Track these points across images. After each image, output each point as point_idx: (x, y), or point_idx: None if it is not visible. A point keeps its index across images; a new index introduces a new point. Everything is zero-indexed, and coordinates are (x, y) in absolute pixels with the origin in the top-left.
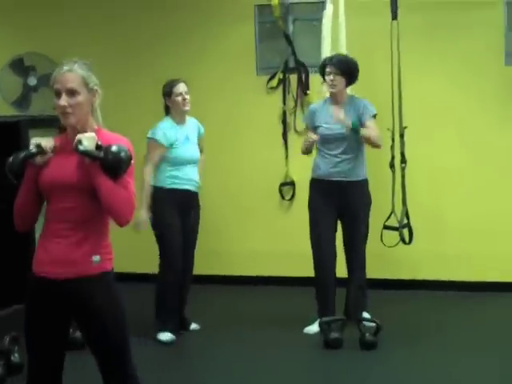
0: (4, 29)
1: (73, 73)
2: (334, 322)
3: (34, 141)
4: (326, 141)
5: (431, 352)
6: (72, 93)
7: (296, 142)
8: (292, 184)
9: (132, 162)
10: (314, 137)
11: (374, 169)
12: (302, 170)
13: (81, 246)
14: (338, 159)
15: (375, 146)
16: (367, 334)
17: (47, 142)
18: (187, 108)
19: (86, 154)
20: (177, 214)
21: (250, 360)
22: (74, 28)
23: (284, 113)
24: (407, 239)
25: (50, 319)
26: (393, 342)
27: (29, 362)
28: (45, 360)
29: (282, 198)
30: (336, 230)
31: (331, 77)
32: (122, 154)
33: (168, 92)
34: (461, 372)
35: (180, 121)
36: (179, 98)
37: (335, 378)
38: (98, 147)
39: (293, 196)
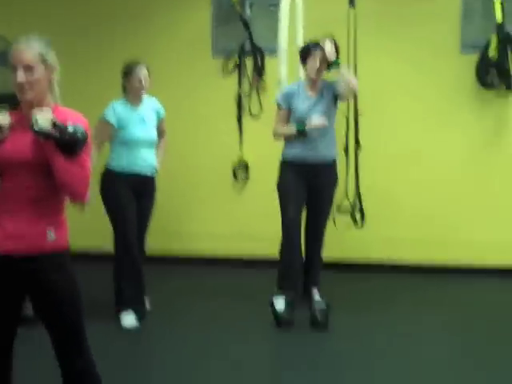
0: None
1: (30, 49)
2: (286, 302)
3: None
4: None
5: (380, 331)
6: (29, 69)
7: (250, 125)
8: (245, 167)
9: (88, 140)
10: (321, 122)
11: None
12: (256, 153)
13: (36, 222)
14: (314, 142)
15: (352, 93)
16: (318, 315)
17: (3, 120)
18: (143, 93)
19: (41, 133)
20: (131, 195)
21: (201, 340)
22: (31, 7)
23: (239, 96)
24: (359, 222)
25: (4, 295)
26: (343, 322)
27: None
28: None
29: (236, 179)
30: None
31: (317, 63)
32: (79, 135)
33: (126, 73)
34: (409, 347)
35: (134, 102)
36: (136, 83)
37: (286, 357)
38: (54, 125)
39: (246, 178)
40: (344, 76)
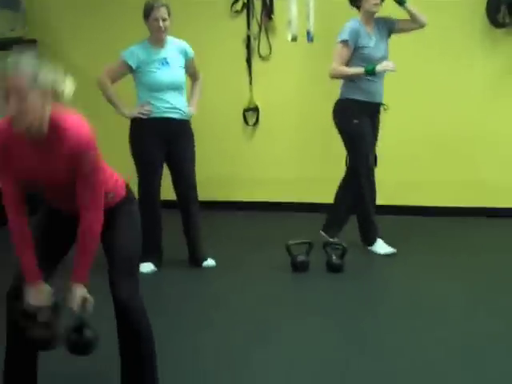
0: None
1: (19, 75)
2: (300, 244)
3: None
4: (372, 63)
5: (397, 274)
6: (20, 98)
7: (260, 67)
8: (256, 110)
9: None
10: (394, 68)
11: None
12: (266, 96)
13: None
14: (379, 82)
15: (421, 22)
16: (334, 257)
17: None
18: (163, 36)
19: None
20: (158, 142)
21: (222, 283)
22: None
23: (248, 37)
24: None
25: (65, 228)
26: (359, 265)
27: None
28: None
29: (246, 123)
30: None
31: None
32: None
33: (145, 13)
34: (425, 291)
35: (157, 44)
36: (155, 23)
37: (303, 299)
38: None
39: (257, 121)
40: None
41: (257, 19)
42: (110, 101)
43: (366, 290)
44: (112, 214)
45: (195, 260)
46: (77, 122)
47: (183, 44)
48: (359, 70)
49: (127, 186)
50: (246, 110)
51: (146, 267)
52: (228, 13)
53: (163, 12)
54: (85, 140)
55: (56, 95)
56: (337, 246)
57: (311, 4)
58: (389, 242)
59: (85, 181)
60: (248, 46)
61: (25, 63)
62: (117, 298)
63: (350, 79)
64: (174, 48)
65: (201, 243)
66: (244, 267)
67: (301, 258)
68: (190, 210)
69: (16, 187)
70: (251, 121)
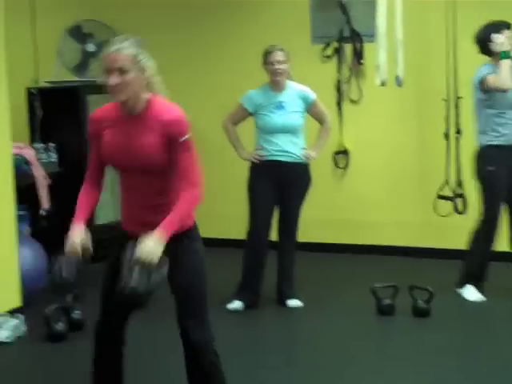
0: None
1: (122, 51)
2: (385, 288)
3: (68, 251)
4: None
5: (487, 322)
6: (121, 71)
7: (350, 111)
8: (346, 153)
9: (188, 137)
10: None
11: (427, 138)
12: (356, 139)
13: (161, 210)
14: None
15: None
16: (420, 301)
17: (74, 248)
18: (278, 78)
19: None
20: (268, 184)
21: (306, 323)
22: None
23: (339, 81)
24: (461, 208)
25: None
26: (445, 310)
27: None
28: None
29: (337, 166)
30: None
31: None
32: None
33: (264, 59)
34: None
35: (274, 88)
36: (272, 67)
37: (389, 343)
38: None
39: (347, 165)
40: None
41: (347, 64)
42: (231, 143)
43: (452, 338)
44: (179, 251)
45: (283, 299)
46: (172, 105)
47: (303, 89)
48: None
49: (195, 223)
50: (336, 153)
51: (235, 304)
52: (319, 58)
53: (280, 55)
54: (178, 119)
55: (150, 83)
56: (423, 290)
57: (400, 49)
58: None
59: (180, 161)
60: (338, 90)
61: (128, 45)
62: (185, 339)
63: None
64: (293, 93)
65: (290, 283)
66: (330, 308)
67: (386, 301)
68: (286, 250)
69: (99, 162)
70: (341, 163)
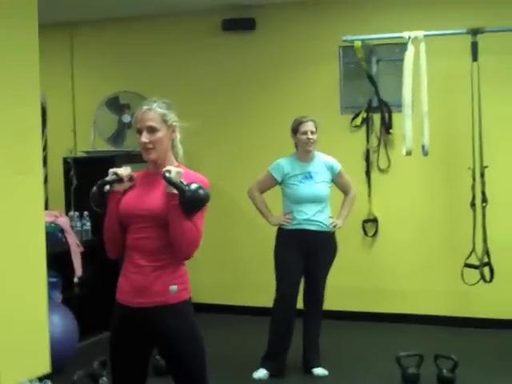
0: (101, 70)
1: (152, 111)
2: (410, 357)
3: (112, 170)
4: None
5: None
6: (152, 130)
7: (379, 179)
8: (375, 221)
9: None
10: None
11: (454, 207)
12: (385, 207)
13: (158, 275)
14: None
15: None
16: (445, 370)
17: (124, 171)
18: (310, 148)
19: (171, 181)
20: (296, 251)
21: None
22: (164, 70)
23: (367, 151)
24: (488, 277)
25: (132, 346)
26: (470, 379)
27: None
28: None
29: (366, 234)
30: None
31: None
32: (201, 192)
33: (294, 129)
34: None
35: (303, 158)
36: (303, 137)
37: None
38: (181, 182)
39: (376, 233)
40: None
41: (376, 133)
42: (258, 209)
43: None
44: (176, 336)
45: (308, 367)
46: (197, 173)
47: (330, 159)
48: None
49: (190, 299)
50: (365, 221)
51: (261, 373)
52: (348, 127)
53: (311, 126)
54: (204, 182)
55: (175, 146)
56: (448, 359)
57: (425, 120)
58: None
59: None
60: (367, 159)
61: (158, 105)
62: None
63: None
64: (321, 163)
65: (315, 351)
66: (356, 377)
67: (411, 370)
68: (312, 319)
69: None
70: (370, 232)
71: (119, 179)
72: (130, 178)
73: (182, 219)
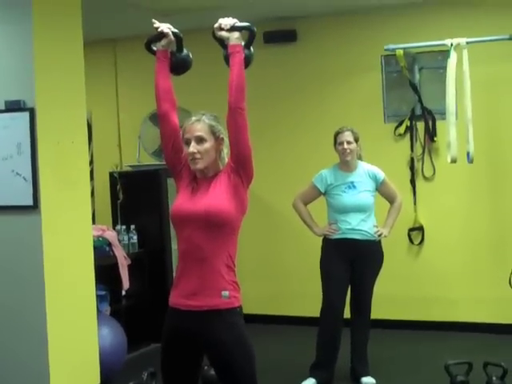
0: (145, 84)
1: (201, 122)
2: (459, 364)
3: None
4: None
5: None
6: (200, 140)
7: (424, 187)
8: (421, 229)
9: None
10: None
11: (500, 214)
12: (430, 215)
13: (210, 281)
14: None
15: None
16: (494, 378)
17: (164, 25)
18: (348, 158)
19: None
20: (341, 261)
21: None
22: (207, 84)
23: (412, 159)
24: None
25: (183, 355)
26: None
27: None
28: None
29: (412, 242)
30: None
31: None
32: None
33: (334, 140)
34: None
35: (345, 168)
36: (340, 147)
37: None
38: None
39: (422, 241)
40: None
41: (420, 141)
42: (303, 221)
43: None
44: (228, 343)
45: (356, 376)
46: None
47: (373, 168)
48: None
49: (241, 307)
50: (411, 230)
51: (309, 382)
52: (392, 136)
53: (347, 135)
54: None
55: (222, 158)
56: (497, 367)
57: (470, 127)
58: None
59: None
60: (412, 168)
61: (206, 117)
62: None
63: None
64: (364, 173)
65: (363, 360)
66: None
67: (460, 378)
68: (359, 328)
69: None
70: (416, 240)
71: (161, 34)
72: (175, 34)
73: (241, 63)
